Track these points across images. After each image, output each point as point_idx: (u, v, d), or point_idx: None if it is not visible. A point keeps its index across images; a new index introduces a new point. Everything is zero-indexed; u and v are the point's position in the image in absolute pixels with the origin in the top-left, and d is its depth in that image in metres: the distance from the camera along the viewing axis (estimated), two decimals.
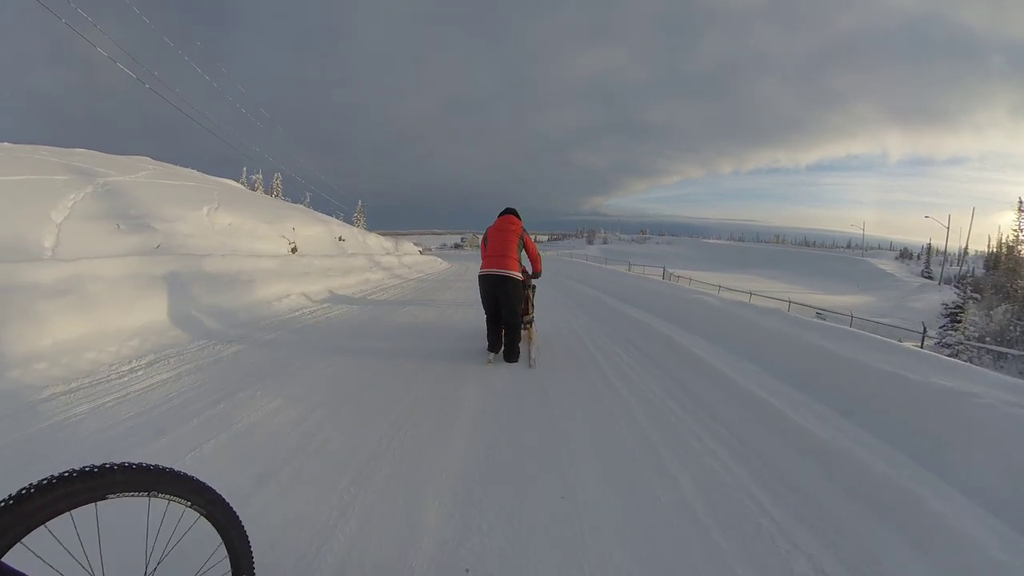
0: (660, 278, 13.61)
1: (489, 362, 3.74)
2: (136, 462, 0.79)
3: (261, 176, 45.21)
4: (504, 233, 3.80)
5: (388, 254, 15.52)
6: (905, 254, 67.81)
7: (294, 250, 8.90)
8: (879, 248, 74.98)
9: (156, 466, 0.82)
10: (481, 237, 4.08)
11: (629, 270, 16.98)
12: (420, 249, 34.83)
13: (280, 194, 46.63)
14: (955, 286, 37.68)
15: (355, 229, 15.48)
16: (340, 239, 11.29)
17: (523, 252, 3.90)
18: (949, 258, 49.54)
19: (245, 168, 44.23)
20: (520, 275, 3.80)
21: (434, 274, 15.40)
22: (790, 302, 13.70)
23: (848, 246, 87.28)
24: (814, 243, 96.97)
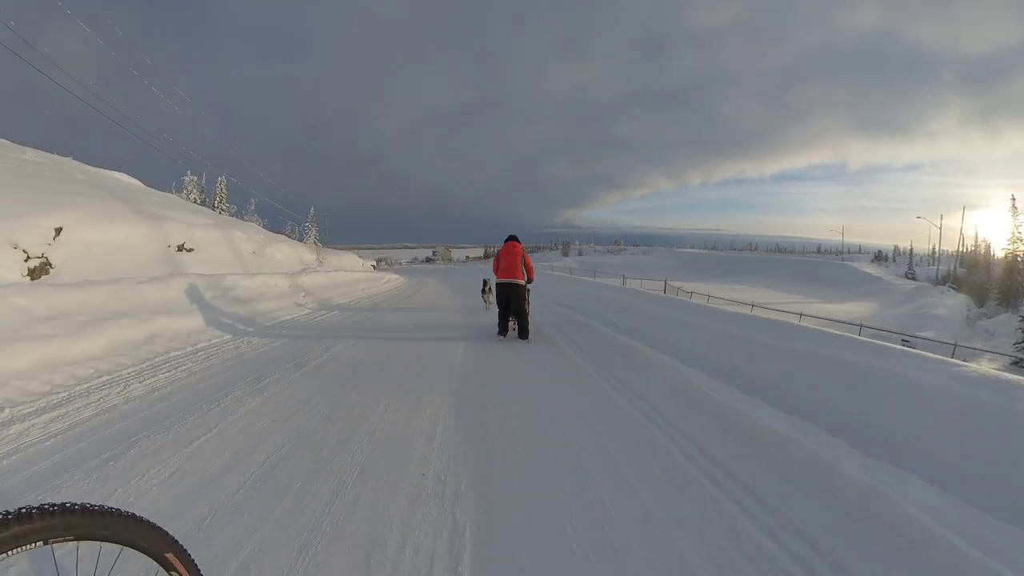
0: (662, 292, 10.04)
1: (499, 341, 5.72)
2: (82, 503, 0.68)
3: (198, 179, 40.12)
4: (511, 255, 5.90)
5: (301, 271, 11.25)
6: (880, 257, 68.14)
7: (36, 271, 4.61)
8: (849, 252, 75.00)
9: (107, 507, 0.71)
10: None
11: (624, 284, 13.30)
12: (373, 264, 30.75)
13: (224, 199, 41.78)
14: (950, 287, 36.23)
15: (251, 236, 11.10)
16: (180, 248, 6.97)
17: (523, 266, 6.00)
18: (927, 259, 48.65)
19: (189, 171, 39.26)
20: (524, 282, 5.92)
21: (344, 305, 9.10)
22: (861, 325, 10.24)
23: (818, 251, 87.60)
24: (786, 249, 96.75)
